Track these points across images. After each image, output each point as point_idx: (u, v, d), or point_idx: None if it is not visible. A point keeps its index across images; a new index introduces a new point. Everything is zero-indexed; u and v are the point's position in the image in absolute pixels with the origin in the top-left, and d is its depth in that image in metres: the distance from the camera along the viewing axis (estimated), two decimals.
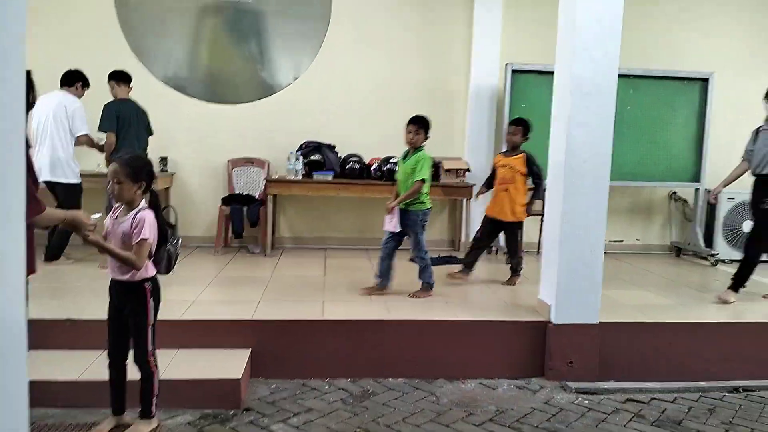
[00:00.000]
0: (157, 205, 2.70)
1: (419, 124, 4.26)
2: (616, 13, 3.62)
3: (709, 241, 6.13)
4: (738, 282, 4.43)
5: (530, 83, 6.01)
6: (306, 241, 6.31)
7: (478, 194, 5.04)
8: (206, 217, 6.10)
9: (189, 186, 6.17)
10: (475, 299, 4.25)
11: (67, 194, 4.81)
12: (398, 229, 4.20)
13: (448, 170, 5.82)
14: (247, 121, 6.19)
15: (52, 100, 4.87)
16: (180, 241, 2.84)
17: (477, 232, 4.91)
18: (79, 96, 5.05)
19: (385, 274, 4.32)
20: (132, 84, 5.20)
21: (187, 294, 4.13)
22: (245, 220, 5.74)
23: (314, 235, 6.33)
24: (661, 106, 6.06)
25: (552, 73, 5.76)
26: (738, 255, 5.98)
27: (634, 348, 3.74)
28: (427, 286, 4.29)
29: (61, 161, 4.82)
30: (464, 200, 5.90)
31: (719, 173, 6.08)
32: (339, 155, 6.03)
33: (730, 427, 3.10)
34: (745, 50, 6.50)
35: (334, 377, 3.63)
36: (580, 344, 3.65)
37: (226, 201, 5.87)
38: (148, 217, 2.60)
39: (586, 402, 3.39)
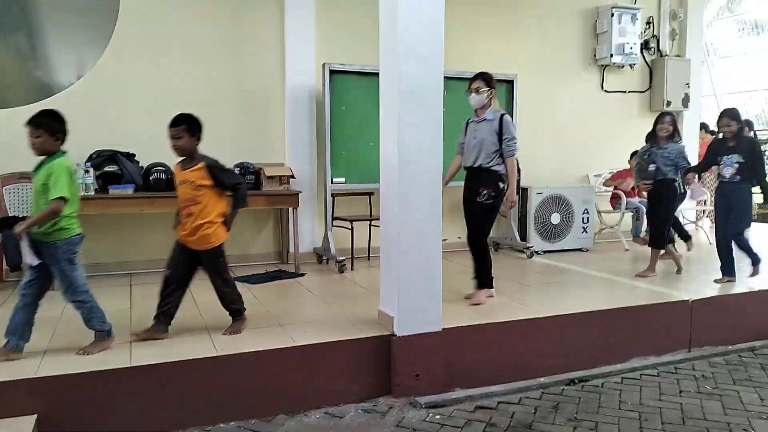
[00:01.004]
0: None
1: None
2: (437, 9, 3.52)
3: (522, 234, 6.49)
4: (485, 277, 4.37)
5: (349, 84, 5.80)
6: (107, 267, 5.40)
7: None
8: None
9: None
10: (310, 319, 3.87)
11: None
12: (35, 262, 3.11)
13: (270, 177, 5.37)
14: (20, 128, 5.08)
15: None
16: None
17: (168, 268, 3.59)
18: None
19: (16, 332, 3.12)
20: None
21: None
22: (23, 248, 4.70)
23: (115, 259, 5.45)
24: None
25: (372, 74, 5.73)
26: (549, 246, 6.46)
27: (476, 351, 3.68)
28: (101, 335, 3.27)
29: None
30: (290, 209, 5.50)
31: (529, 169, 6.52)
32: (140, 165, 5.26)
33: (577, 424, 3.14)
34: (540, 55, 7.04)
35: None
36: (425, 355, 3.49)
37: None
38: None
39: (438, 417, 3.22)
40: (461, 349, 3.62)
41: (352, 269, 5.47)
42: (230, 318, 3.65)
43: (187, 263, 3.54)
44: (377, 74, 3.72)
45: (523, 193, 6.41)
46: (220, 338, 3.46)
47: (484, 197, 4.20)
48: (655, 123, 5.13)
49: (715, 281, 4.93)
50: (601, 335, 4.04)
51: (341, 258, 5.35)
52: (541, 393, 3.55)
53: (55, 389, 2.92)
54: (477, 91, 4.25)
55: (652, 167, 5.05)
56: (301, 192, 5.47)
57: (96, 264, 5.37)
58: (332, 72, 5.71)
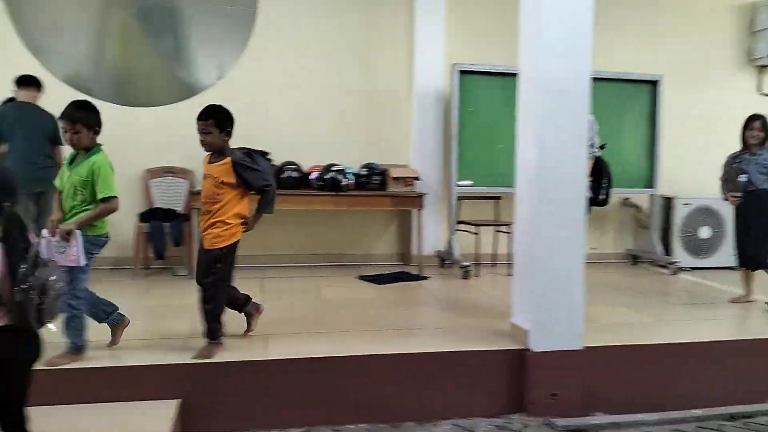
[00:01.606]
0: (9, 231, 1.94)
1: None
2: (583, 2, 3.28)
3: (666, 248, 5.97)
4: None
5: (478, 85, 5.64)
6: (239, 260, 5.60)
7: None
8: (120, 236, 5.27)
9: None
10: (445, 326, 3.75)
11: None
12: (84, 263, 2.89)
13: (395, 178, 5.33)
14: (166, 125, 5.45)
15: None
16: (49, 283, 1.94)
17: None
18: None
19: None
20: (40, 88, 4.52)
21: (97, 332, 3.40)
22: (167, 238, 5.02)
23: (248, 253, 5.58)
24: (611, 109, 5.85)
25: (502, 74, 5.55)
26: (696, 262, 5.89)
27: (620, 374, 3.38)
28: (74, 349, 2.98)
29: None
30: (415, 211, 5.43)
31: (674, 179, 6.02)
32: (273, 163, 5.41)
33: None
34: (685, 54, 6.46)
35: (283, 427, 3.05)
36: (563, 374, 3.24)
37: (143, 217, 5.12)
38: None
39: None
40: (604, 371, 3.34)
41: (476, 275, 5.30)
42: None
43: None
44: (508, 74, 3.56)
45: (665, 203, 5.91)
46: (350, 336, 3.44)
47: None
48: (743, 128, 4.44)
49: None
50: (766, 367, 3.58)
51: (465, 263, 5.20)
52: (696, 427, 3.18)
53: (199, 375, 3.02)
54: None
55: (743, 177, 4.41)
56: (426, 194, 5.38)
57: None
58: (461, 72, 5.58)
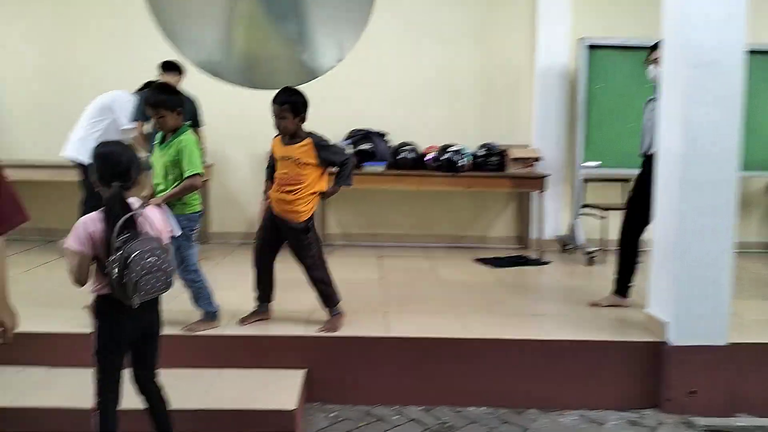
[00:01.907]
0: (110, 208, 2.04)
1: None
2: None
3: None
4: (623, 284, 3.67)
5: (608, 60, 5.30)
6: (357, 238, 5.75)
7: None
8: (248, 213, 5.58)
9: (228, 178, 5.67)
10: (570, 314, 3.58)
11: None
12: (178, 232, 2.97)
13: (515, 159, 5.16)
14: None
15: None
16: (134, 258, 1.96)
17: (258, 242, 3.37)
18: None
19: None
20: (182, 72, 4.75)
21: (229, 302, 3.60)
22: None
23: (365, 231, 5.76)
24: (755, 85, 5.26)
25: (635, 48, 5.17)
26: None
27: None
28: (207, 316, 3.20)
29: None
30: (534, 193, 5.25)
31: None
32: (390, 144, 5.44)
33: None
34: None
35: (403, 404, 3.07)
36: (705, 370, 2.99)
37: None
38: (82, 220, 2.05)
39: None
40: (750, 370, 3.04)
41: (602, 262, 5.03)
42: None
43: (274, 238, 3.29)
44: (640, 48, 3.26)
45: None
46: (471, 319, 3.38)
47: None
48: None
49: None
50: None
51: (591, 249, 4.95)
52: None
53: (322, 348, 3.12)
54: (656, 62, 3.46)
55: None
56: (548, 175, 5.16)
57: (349, 234, 5.75)
58: (590, 47, 5.27)
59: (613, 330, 3.27)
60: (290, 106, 3.09)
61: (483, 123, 5.68)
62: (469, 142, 5.32)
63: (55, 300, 3.49)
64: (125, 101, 4.58)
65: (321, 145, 3.16)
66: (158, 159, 3.09)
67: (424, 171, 5.19)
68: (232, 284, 4.03)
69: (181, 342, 3.06)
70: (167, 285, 2.09)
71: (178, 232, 2.96)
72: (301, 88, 5.35)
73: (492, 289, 4.11)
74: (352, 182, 3.29)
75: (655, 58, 3.48)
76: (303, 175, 3.13)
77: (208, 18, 5.55)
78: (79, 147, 4.36)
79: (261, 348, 3.12)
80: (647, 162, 3.51)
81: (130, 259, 1.95)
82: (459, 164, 5.08)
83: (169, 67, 4.71)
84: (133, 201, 2.12)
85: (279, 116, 3.11)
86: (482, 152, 5.25)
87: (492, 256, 5.10)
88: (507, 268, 4.73)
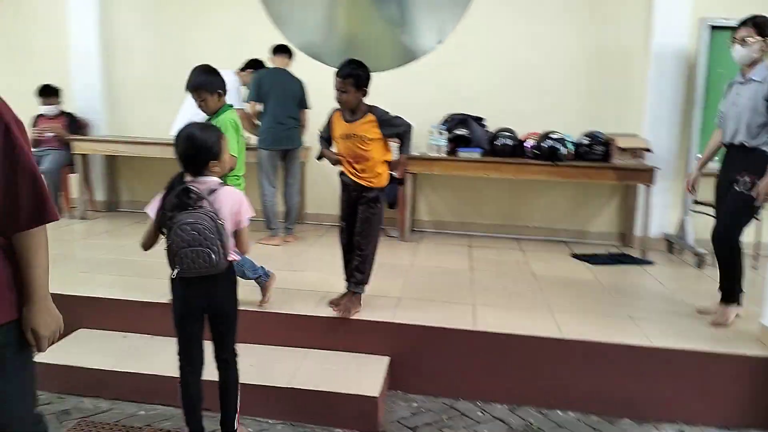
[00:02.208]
0: (171, 185, 2.17)
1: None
2: None
3: None
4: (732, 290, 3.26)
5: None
6: (447, 226, 5.67)
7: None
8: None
9: (325, 160, 5.75)
10: (672, 320, 3.34)
11: None
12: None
13: (622, 149, 4.84)
14: (386, 90, 5.56)
15: None
16: (184, 231, 2.05)
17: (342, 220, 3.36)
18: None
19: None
20: (291, 56, 4.93)
21: (319, 282, 3.67)
22: None
23: (457, 219, 5.67)
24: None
25: None
26: None
27: None
28: (262, 280, 3.25)
29: None
30: (642, 187, 4.91)
31: None
32: (488, 130, 5.29)
33: None
34: None
35: (488, 400, 3.00)
36: None
37: None
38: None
39: None
40: None
41: (713, 265, 4.63)
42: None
43: (354, 218, 3.25)
44: None
45: None
46: (564, 319, 3.24)
47: (744, 186, 3.09)
48: None
49: None
50: None
51: (701, 250, 4.57)
52: None
53: (407, 336, 3.09)
54: (743, 41, 3.14)
55: None
56: (657, 168, 4.80)
57: (439, 222, 5.69)
58: (712, 28, 4.82)
59: (722, 340, 3.00)
60: (354, 79, 3.03)
61: (588, 109, 5.37)
62: (572, 129, 5.06)
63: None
64: (228, 81, 4.76)
65: (384, 120, 3.13)
66: None
67: (522, 159, 5.00)
68: (323, 265, 4.12)
69: (272, 319, 3.16)
70: (209, 263, 2.07)
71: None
72: (400, 70, 5.54)
73: (589, 287, 3.91)
74: (411, 149, 3.34)
75: (743, 37, 3.16)
76: (369, 150, 3.13)
77: (313, 1, 5.64)
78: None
79: (347, 331, 3.15)
80: (736, 152, 3.22)
81: (173, 229, 2.04)
82: (561, 153, 4.84)
83: (281, 50, 4.87)
84: (209, 180, 2.16)
85: (341, 89, 3.05)
86: (586, 141, 4.97)
87: (590, 253, 4.85)
88: (606, 266, 4.48)
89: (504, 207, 5.58)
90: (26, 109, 5.66)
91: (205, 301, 2.23)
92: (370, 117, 3.11)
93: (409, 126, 3.25)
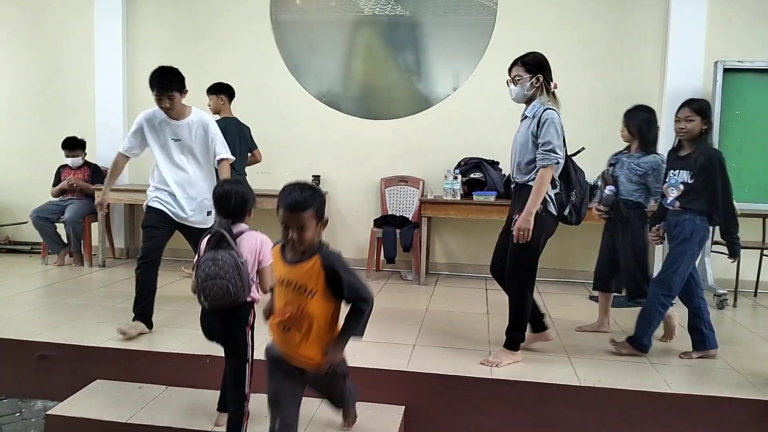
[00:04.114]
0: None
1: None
2: None
3: None
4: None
5: (747, 85, 4.86)
6: (463, 269, 5.66)
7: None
8: (358, 239, 5.71)
9: (341, 205, 5.83)
10: (688, 364, 3.27)
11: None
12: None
13: None
14: (402, 137, 5.73)
15: None
16: (206, 266, 2.33)
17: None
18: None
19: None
20: (229, 95, 5.11)
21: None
22: (398, 243, 5.24)
23: (472, 262, 5.66)
24: None
25: None
26: None
27: None
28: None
29: None
30: None
31: None
32: (503, 173, 5.32)
33: None
34: None
35: None
36: None
37: (378, 222, 5.43)
38: None
39: None
40: None
41: (734, 305, 4.55)
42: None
43: None
44: None
45: None
46: (586, 364, 3.18)
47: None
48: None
49: None
50: None
51: (721, 291, 4.49)
52: None
53: (422, 385, 3.05)
54: (515, 81, 3.18)
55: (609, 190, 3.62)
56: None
57: (455, 264, 5.68)
58: (726, 71, 4.85)
59: (744, 386, 2.92)
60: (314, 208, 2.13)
61: (603, 152, 5.37)
62: (590, 173, 5.03)
63: (177, 321, 3.76)
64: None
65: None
66: None
67: None
68: None
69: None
70: (227, 294, 2.28)
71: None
72: (416, 117, 5.64)
73: (608, 330, 3.85)
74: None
75: (514, 77, 3.22)
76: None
77: (329, 51, 5.80)
78: None
79: (362, 380, 3.12)
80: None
81: (198, 264, 2.34)
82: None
83: (230, 91, 5.05)
84: (242, 226, 2.44)
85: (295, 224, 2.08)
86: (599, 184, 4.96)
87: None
88: (626, 309, 4.40)
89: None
90: (52, 160, 5.86)
91: (221, 334, 2.46)
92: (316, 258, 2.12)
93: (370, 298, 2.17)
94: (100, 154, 5.99)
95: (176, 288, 4.73)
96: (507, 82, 3.27)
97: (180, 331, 3.50)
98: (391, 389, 3.07)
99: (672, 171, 3.32)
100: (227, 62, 5.88)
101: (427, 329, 3.80)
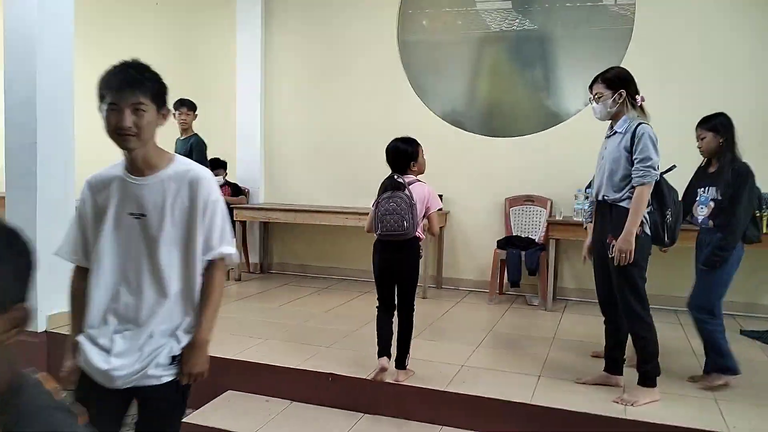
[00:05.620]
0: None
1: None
2: None
3: None
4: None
5: None
6: (595, 296, 5.30)
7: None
8: (480, 261, 5.57)
9: (463, 225, 5.74)
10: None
11: None
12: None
13: None
14: (528, 154, 5.53)
15: None
16: (387, 203, 3.02)
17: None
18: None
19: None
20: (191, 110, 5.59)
21: (456, 354, 3.59)
22: (523, 266, 5.05)
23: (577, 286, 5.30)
24: None
25: None
26: None
27: None
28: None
29: None
30: None
31: None
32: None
33: None
34: None
35: None
36: None
37: (501, 244, 5.27)
38: None
39: None
40: None
41: None
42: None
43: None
44: None
45: None
46: (739, 409, 2.83)
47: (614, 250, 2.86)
48: None
49: None
50: None
51: None
52: None
53: (547, 420, 2.89)
54: (597, 98, 3.00)
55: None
56: None
57: (586, 290, 5.35)
58: None
59: None
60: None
61: (758, 168, 4.83)
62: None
63: (308, 337, 3.89)
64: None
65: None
66: None
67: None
68: (459, 335, 4.03)
69: (451, 399, 3.12)
70: (400, 227, 2.92)
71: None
72: (542, 134, 5.42)
73: (758, 368, 3.41)
74: None
75: (596, 94, 3.03)
76: None
77: (455, 71, 5.77)
78: None
79: (483, 410, 3.02)
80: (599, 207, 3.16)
81: (380, 203, 3.01)
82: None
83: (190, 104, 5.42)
84: (410, 177, 3.10)
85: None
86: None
87: (764, 329, 4.25)
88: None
89: (659, 276, 5.08)
90: None
91: (394, 265, 3.05)
92: None
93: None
94: (238, 173, 6.40)
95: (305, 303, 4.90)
96: (589, 100, 3.18)
97: (305, 347, 3.62)
98: (511, 422, 2.94)
99: (701, 189, 3.24)
100: (356, 86, 6.05)
101: (554, 359, 3.60)
